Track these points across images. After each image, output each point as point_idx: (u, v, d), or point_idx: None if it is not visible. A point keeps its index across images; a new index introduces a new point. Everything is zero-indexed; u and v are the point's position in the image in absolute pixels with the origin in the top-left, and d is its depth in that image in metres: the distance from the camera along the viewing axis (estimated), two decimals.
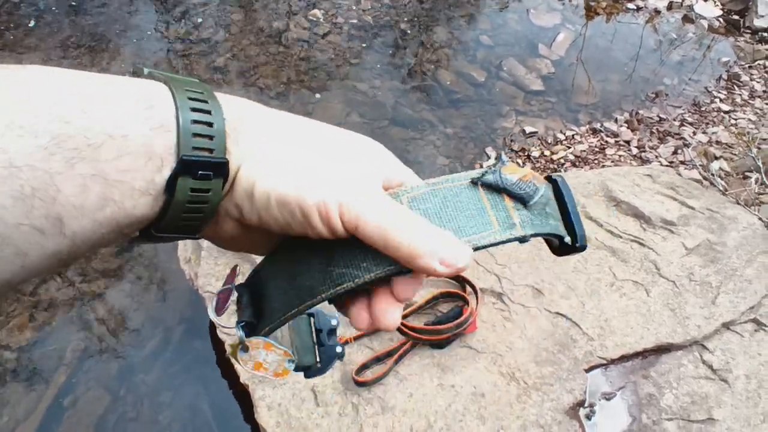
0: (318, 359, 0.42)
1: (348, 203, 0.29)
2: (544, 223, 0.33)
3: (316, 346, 0.43)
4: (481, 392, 1.22)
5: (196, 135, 0.28)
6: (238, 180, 0.30)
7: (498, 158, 0.35)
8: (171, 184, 0.28)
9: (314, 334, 0.43)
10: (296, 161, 0.31)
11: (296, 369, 0.39)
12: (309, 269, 0.32)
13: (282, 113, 0.34)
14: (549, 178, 0.39)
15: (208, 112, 0.29)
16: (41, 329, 1.72)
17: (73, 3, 2.85)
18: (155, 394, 1.59)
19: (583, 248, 0.36)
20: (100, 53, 2.64)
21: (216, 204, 0.30)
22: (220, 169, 0.29)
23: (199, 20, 2.91)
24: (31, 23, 2.70)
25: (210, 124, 0.29)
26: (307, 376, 0.42)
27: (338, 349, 0.43)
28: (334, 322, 0.44)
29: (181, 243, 1.66)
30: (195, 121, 0.28)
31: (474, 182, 0.34)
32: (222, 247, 0.35)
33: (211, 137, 0.28)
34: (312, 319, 0.44)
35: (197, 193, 0.29)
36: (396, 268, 0.30)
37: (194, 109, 0.29)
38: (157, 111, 0.28)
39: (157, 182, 0.27)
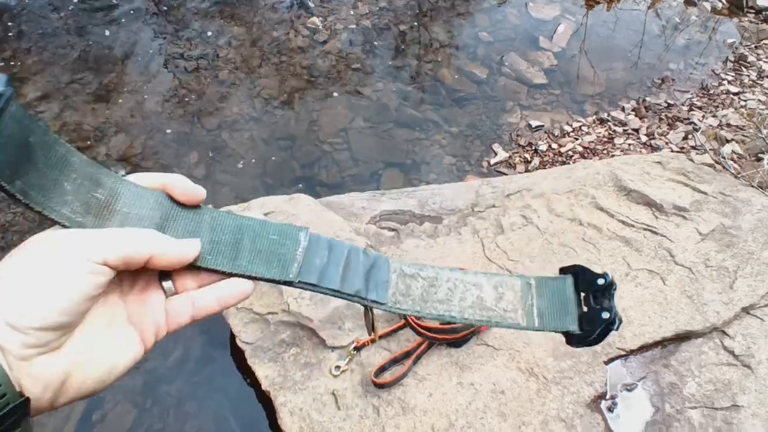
0: (579, 325, 0.42)
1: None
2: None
3: (577, 310, 0.43)
4: (501, 389, 1.22)
5: None
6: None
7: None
8: None
9: (577, 296, 0.43)
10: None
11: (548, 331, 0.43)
12: None
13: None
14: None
15: None
16: None
17: (78, 25, 2.90)
18: (180, 405, 1.61)
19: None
20: (106, 74, 2.68)
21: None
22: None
23: (201, 36, 2.94)
24: (36, 46, 2.75)
25: None
26: (572, 344, 0.43)
27: (604, 315, 0.40)
28: (600, 282, 0.42)
29: None
30: None
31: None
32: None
33: None
34: (573, 278, 0.44)
35: None
36: None
37: None
38: None
39: None
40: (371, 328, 0.46)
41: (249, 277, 0.40)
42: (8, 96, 0.31)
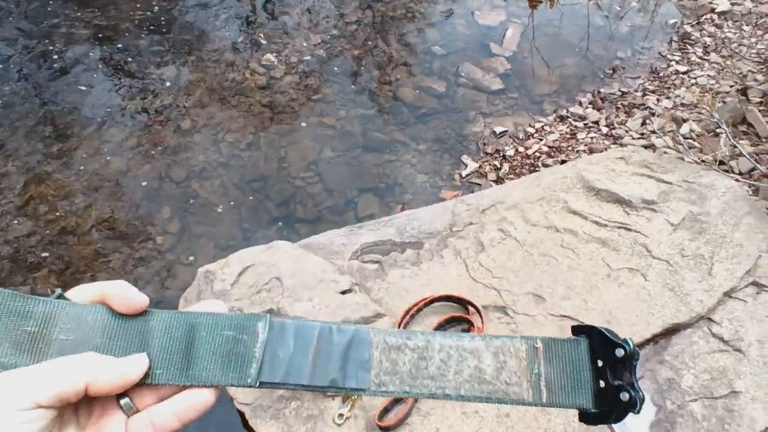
0: (594, 402, 0.37)
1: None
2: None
3: (592, 384, 0.38)
4: (505, 412, 1.22)
5: None
6: None
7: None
8: None
9: (592, 366, 0.38)
10: None
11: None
12: None
13: None
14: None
15: None
16: None
17: (33, 89, 2.85)
18: None
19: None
20: (67, 138, 2.63)
21: None
22: None
23: (159, 87, 2.92)
24: None
25: None
26: (585, 421, 0.38)
27: (623, 397, 0.35)
28: (619, 353, 0.36)
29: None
30: None
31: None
32: None
33: None
34: (587, 343, 0.38)
35: None
36: None
37: None
38: None
39: None
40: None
41: (205, 386, 0.37)
42: None
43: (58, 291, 0.37)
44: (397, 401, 1.26)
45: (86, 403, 0.36)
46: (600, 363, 0.38)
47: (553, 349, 0.39)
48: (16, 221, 2.31)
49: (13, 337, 0.34)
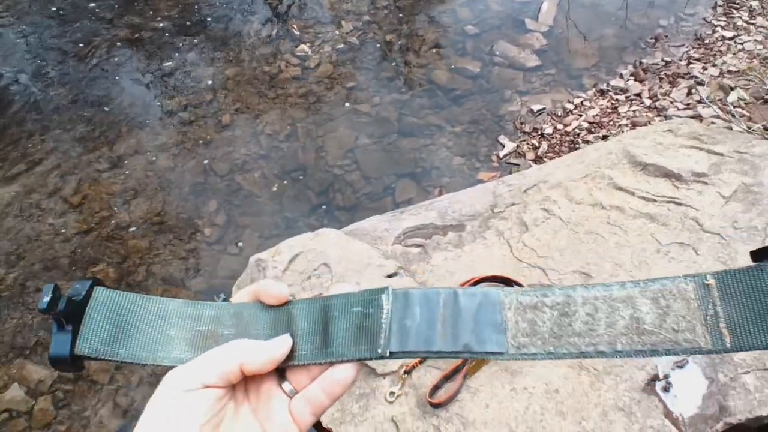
0: None
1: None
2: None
3: None
4: (555, 388, 1.24)
5: None
6: None
7: None
8: None
9: None
10: None
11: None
12: None
13: None
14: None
15: None
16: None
17: (74, 96, 3.00)
18: None
19: None
20: (115, 141, 2.77)
21: None
22: None
23: (197, 84, 3.01)
24: (41, 126, 2.85)
25: None
26: None
27: None
28: None
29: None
30: None
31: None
32: None
33: None
34: None
35: None
36: None
37: None
38: None
39: None
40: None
41: (342, 361, 0.38)
42: (87, 288, 0.37)
43: (223, 296, 0.44)
44: (447, 378, 1.30)
45: (254, 388, 0.41)
46: None
47: (729, 283, 0.33)
48: (73, 220, 2.46)
49: (189, 336, 0.40)
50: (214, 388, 0.37)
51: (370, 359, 0.37)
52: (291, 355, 0.39)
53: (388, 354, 0.37)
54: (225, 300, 0.44)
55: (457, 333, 0.36)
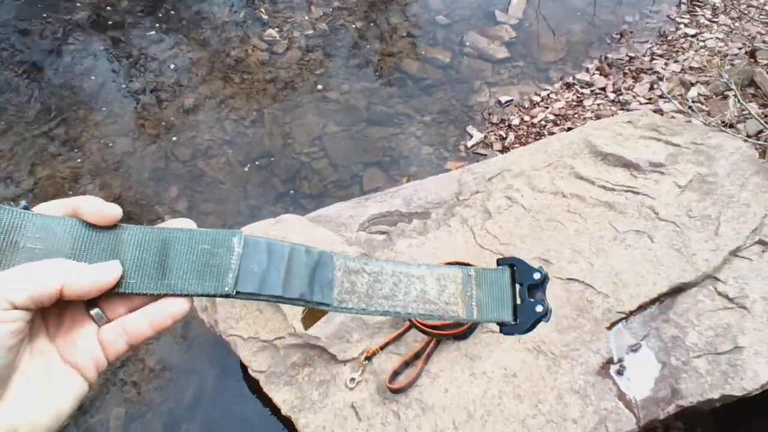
0: (514, 316, 0.45)
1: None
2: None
3: (512, 301, 0.45)
4: (513, 372, 1.25)
5: None
6: None
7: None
8: None
9: (513, 288, 0.45)
10: None
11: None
12: None
13: None
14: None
15: None
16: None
17: (33, 73, 2.86)
18: None
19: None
20: (72, 122, 2.65)
21: None
22: None
23: (160, 67, 2.91)
24: None
25: None
26: (503, 332, 0.45)
27: (538, 309, 0.44)
28: (536, 276, 0.45)
29: None
30: None
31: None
32: None
33: None
34: (510, 271, 0.46)
35: None
36: None
37: None
38: None
39: None
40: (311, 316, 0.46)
41: (181, 296, 0.38)
42: None
43: (24, 203, 0.37)
44: (407, 364, 1.29)
45: (56, 313, 0.37)
46: (518, 286, 0.45)
47: (483, 276, 0.46)
48: (26, 203, 2.35)
49: None
50: (24, 310, 0.32)
51: (215, 296, 0.38)
52: (118, 283, 0.36)
53: (234, 293, 0.38)
54: (26, 208, 0.36)
55: (295, 284, 0.40)
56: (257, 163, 2.50)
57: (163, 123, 2.65)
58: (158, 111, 2.70)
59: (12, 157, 2.50)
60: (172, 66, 2.91)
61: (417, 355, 1.29)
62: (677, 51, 2.86)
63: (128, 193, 2.40)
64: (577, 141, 1.73)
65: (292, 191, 2.41)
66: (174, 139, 2.58)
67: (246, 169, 2.47)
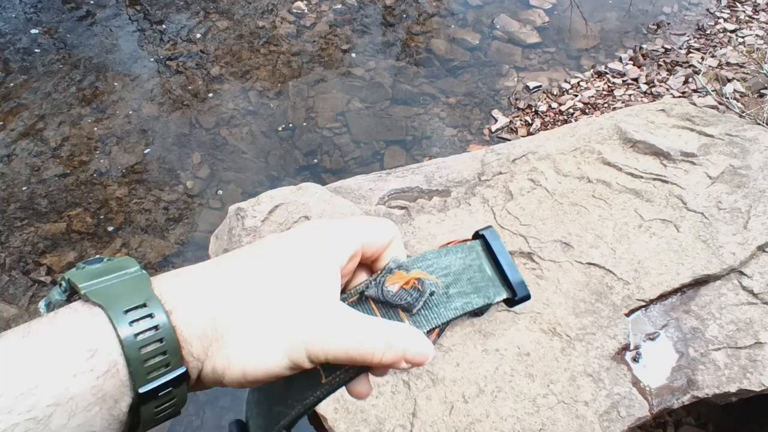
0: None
1: (313, 348, 0.29)
2: (443, 312, 0.34)
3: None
4: (526, 351, 1.24)
5: (147, 359, 0.27)
6: (205, 375, 0.30)
7: (384, 269, 0.35)
8: (134, 411, 0.28)
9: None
10: (248, 324, 0.30)
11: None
12: (278, 397, 0.34)
13: (212, 261, 0.32)
14: (476, 235, 0.39)
15: (152, 318, 0.28)
16: None
17: (61, 40, 2.89)
18: (215, 401, 1.66)
19: (526, 298, 0.37)
20: (99, 88, 2.67)
21: (185, 399, 0.30)
22: (179, 381, 0.28)
23: (188, 35, 2.92)
24: (21, 67, 2.75)
25: (160, 340, 0.27)
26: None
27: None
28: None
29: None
30: (143, 346, 0.27)
31: (362, 296, 0.34)
32: None
33: (164, 352, 0.27)
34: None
35: (162, 406, 0.29)
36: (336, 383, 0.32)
37: (138, 333, 0.27)
38: (100, 356, 0.26)
39: (116, 414, 0.27)
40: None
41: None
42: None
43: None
44: None
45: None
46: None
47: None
48: (51, 161, 2.39)
49: None
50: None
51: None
52: None
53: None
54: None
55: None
56: (280, 134, 2.51)
57: (189, 90, 2.66)
58: (183, 78, 2.71)
59: (40, 114, 2.54)
60: (198, 35, 2.91)
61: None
62: (715, 46, 2.77)
63: (151, 157, 2.42)
64: (607, 126, 1.69)
65: (313, 164, 2.41)
66: (198, 106, 2.59)
67: (269, 140, 2.48)
